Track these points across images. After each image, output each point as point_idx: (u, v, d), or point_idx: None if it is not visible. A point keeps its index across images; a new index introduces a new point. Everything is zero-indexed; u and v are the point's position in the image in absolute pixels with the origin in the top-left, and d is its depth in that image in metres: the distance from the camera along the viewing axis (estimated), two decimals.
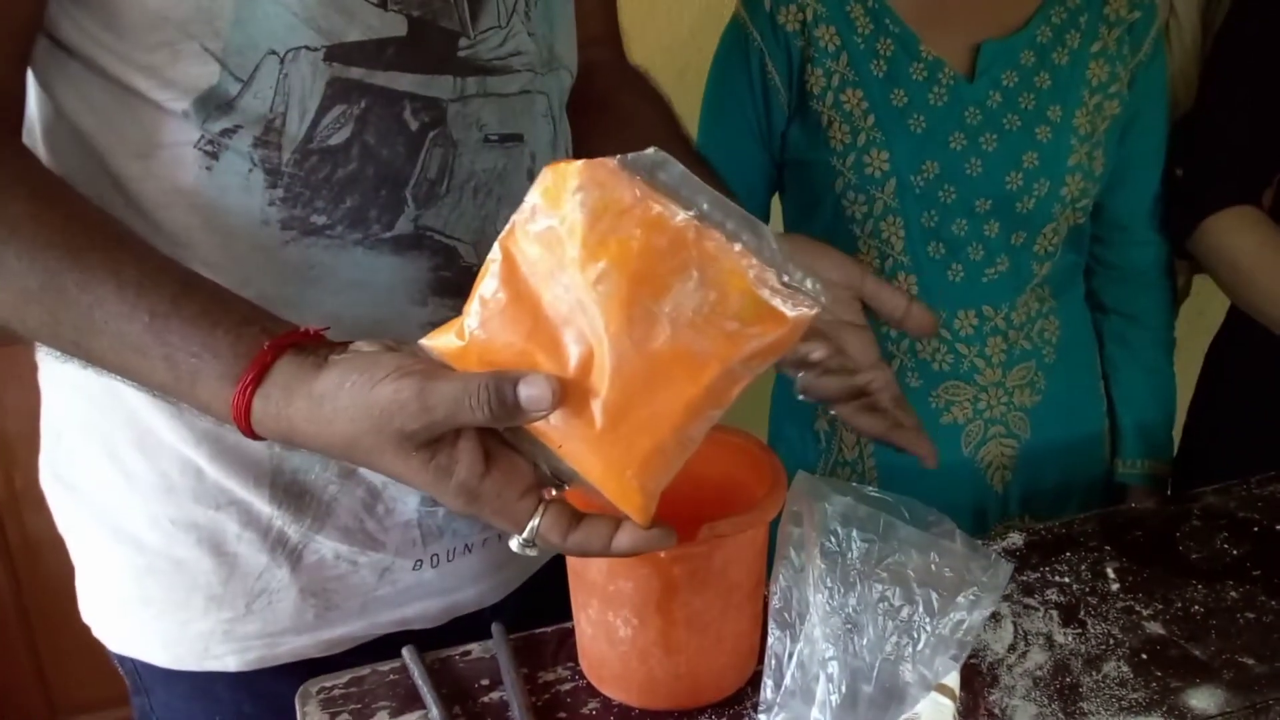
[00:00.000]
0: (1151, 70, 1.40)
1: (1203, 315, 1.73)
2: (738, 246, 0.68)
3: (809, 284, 0.69)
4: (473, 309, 0.72)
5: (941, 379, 1.41)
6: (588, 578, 0.90)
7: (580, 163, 0.69)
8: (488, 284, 0.71)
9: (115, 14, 0.82)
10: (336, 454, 0.74)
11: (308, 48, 0.85)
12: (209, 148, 0.86)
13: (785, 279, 0.68)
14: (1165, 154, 1.47)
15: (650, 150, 0.69)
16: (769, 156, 1.42)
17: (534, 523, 0.73)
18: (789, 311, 0.68)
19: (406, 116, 0.90)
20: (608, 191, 0.68)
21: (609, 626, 0.90)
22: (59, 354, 0.81)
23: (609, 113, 1.15)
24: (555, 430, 0.71)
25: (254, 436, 0.75)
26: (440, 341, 0.73)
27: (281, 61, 0.85)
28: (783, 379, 1.57)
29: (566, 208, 0.69)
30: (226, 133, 0.86)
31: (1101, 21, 1.37)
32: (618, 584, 0.88)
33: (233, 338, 0.75)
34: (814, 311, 0.69)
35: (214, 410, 0.76)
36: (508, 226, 0.71)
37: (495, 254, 0.71)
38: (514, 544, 0.74)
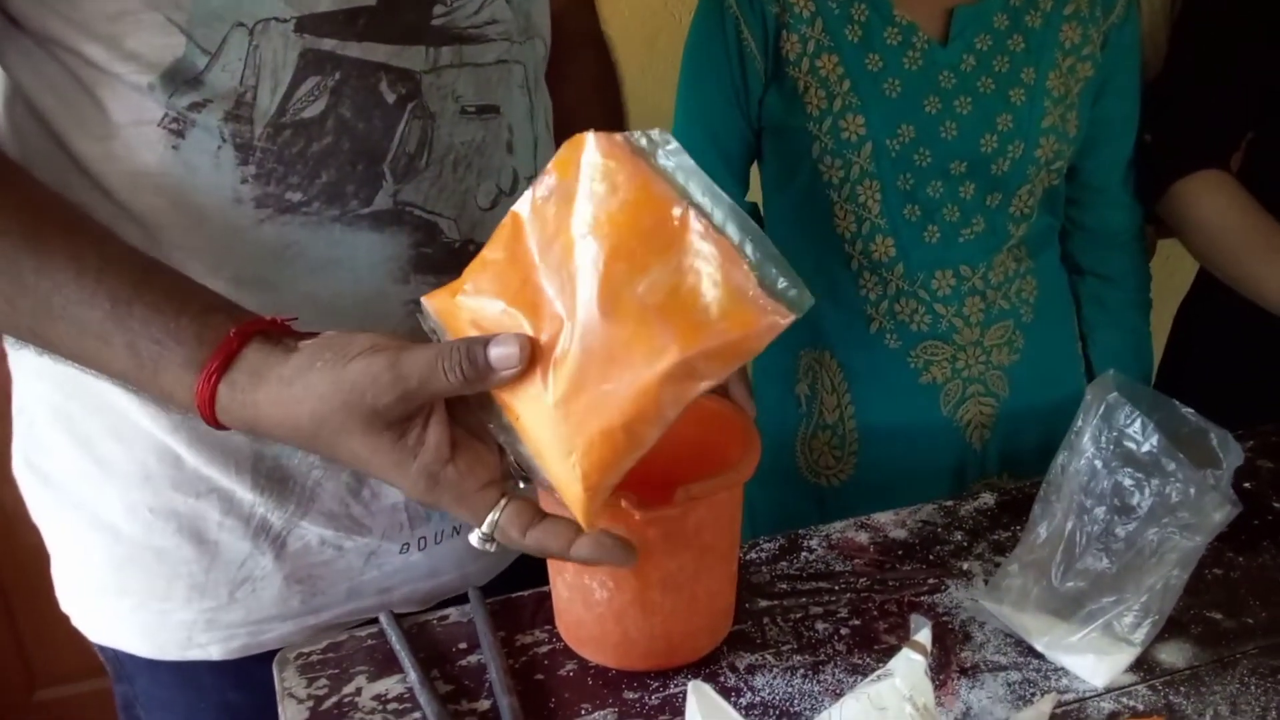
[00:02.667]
0: (1124, 32, 1.40)
1: (1172, 278, 1.74)
2: (722, 239, 0.67)
3: (790, 291, 0.66)
4: (473, 268, 0.73)
5: (920, 339, 1.42)
6: None
7: (592, 135, 0.70)
8: (491, 246, 0.73)
9: None
10: (302, 439, 0.72)
11: (277, 19, 0.83)
12: (174, 125, 0.84)
13: (765, 280, 0.66)
14: (1138, 116, 1.47)
15: (655, 130, 0.69)
16: (747, 123, 1.42)
17: (494, 516, 0.73)
18: (761, 315, 0.67)
19: (383, 88, 0.88)
20: (610, 165, 0.69)
21: (585, 589, 0.91)
22: (16, 342, 0.79)
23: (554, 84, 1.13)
24: (516, 398, 0.71)
25: (218, 426, 0.74)
26: (438, 298, 0.74)
27: (251, 33, 0.82)
28: None
29: (571, 177, 0.70)
30: (195, 107, 0.83)
31: None
32: None
33: (198, 325, 0.73)
34: (787, 320, 0.67)
35: (177, 399, 0.74)
36: (526, 192, 0.73)
37: (506, 219, 0.73)
38: (473, 538, 0.74)
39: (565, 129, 1.11)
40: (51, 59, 0.83)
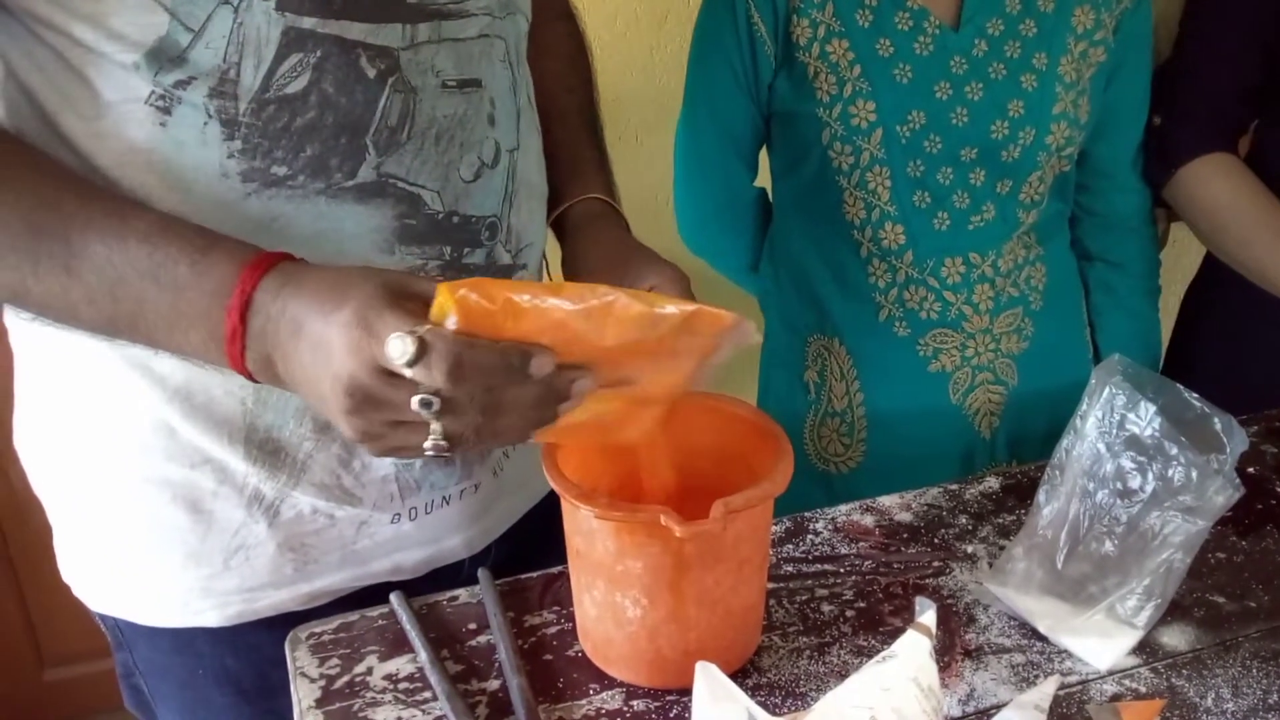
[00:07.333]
0: (1136, 17, 1.40)
1: (1179, 262, 1.74)
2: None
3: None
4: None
5: (929, 326, 1.43)
6: (593, 558, 0.89)
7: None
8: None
9: None
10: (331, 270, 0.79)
11: None
12: (160, 102, 0.85)
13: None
14: (1150, 102, 1.47)
15: None
16: (756, 109, 1.43)
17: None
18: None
19: (363, 64, 0.90)
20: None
21: (616, 607, 0.89)
22: (14, 311, 0.81)
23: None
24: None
25: (248, 296, 0.78)
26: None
27: (235, 11, 0.84)
28: (771, 331, 1.58)
29: None
30: (180, 84, 0.85)
31: None
32: (626, 564, 0.87)
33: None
34: None
35: (219, 268, 0.79)
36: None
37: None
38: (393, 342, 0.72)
39: (545, 97, 1.14)
40: (40, 40, 0.85)
